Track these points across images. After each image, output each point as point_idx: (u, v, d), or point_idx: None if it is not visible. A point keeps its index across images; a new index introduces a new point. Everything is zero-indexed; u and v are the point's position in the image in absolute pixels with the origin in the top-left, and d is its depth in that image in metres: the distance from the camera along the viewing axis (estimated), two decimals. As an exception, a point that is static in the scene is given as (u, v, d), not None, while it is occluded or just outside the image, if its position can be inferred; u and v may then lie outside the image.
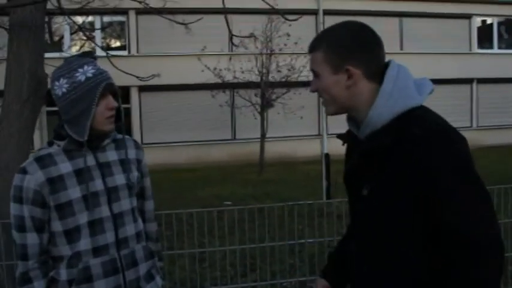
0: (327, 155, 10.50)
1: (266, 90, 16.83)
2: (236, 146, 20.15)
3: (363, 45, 1.66)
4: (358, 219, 1.76)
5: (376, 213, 1.63)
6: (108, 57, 6.15)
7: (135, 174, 2.20)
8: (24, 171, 1.99)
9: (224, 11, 5.85)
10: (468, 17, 23.27)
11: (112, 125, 2.10)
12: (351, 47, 1.65)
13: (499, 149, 20.66)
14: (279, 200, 10.05)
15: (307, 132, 21.02)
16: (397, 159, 1.55)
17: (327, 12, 20.68)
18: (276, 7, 6.14)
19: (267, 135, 17.42)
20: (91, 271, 2.00)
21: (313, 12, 20.70)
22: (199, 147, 19.63)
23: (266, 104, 16.99)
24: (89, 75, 1.99)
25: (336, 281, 2.00)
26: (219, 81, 17.50)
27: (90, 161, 2.06)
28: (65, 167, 2.00)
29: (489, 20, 24.17)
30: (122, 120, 2.16)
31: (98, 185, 2.05)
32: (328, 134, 20.61)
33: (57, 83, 2.02)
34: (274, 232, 4.81)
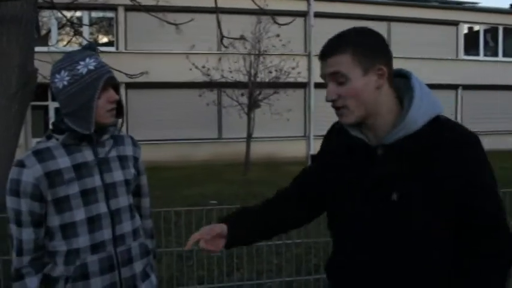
0: (312, 156, 10.54)
1: (253, 91, 16.85)
2: (222, 145, 20.15)
3: (386, 46, 1.71)
4: (380, 225, 1.70)
5: (408, 217, 1.65)
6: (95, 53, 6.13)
7: (132, 171, 2.18)
8: (22, 165, 1.94)
9: (215, 11, 5.85)
10: (455, 23, 23.50)
11: (113, 118, 2.08)
12: (379, 47, 1.69)
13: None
14: (263, 200, 10.04)
15: (293, 133, 21.08)
16: (433, 162, 1.62)
17: (317, 15, 20.74)
18: (266, 8, 6.14)
19: (253, 135, 17.44)
20: (88, 268, 1.98)
21: (303, 14, 20.74)
22: (185, 146, 19.60)
23: (253, 104, 17.02)
24: (91, 67, 1.97)
25: (238, 232, 1.93)
26: (207, 80, 17.50)
27: (89, 156, 2.03)
28: (63, 161, 1.97)
29: (476, 28, 24.44)
30: (123, 116, 2.14)
31: (96, 181, 2.02)
32: (314, 136, 20.69)
33: (58, 76, 1.99)
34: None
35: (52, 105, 18.93)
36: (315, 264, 5.41)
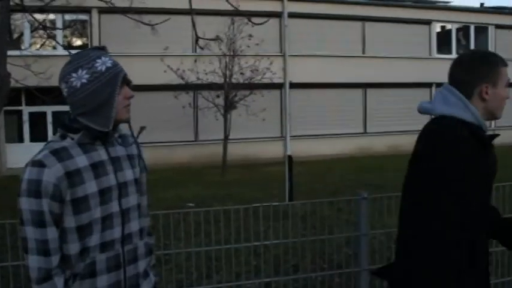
0: (289, 157, 10.58)
1: (229, 92, 16.85)
2: (199, 148, 20.11)
3: None
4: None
5: None
6: (70, 55, 6.08)
7: (138, 169, 2.22)
8: (41, 165, 1.88)
9: (190, 13, 5.85)
10: (428, 22, 23.83)
11: (129, 114, 2.12)
12: None
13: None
14: (241, 201, 10.07)
15: (269, 134, 21.11)
16: None
17: (292, 15, 20.83)
18: (239, 9, 6.16)
19: (230, 137, 17.44)
20: (96, 266, 1.98)
21: (277, 15, 20.79)
22: (161, 148, 19.49)
23: (229, 106, 17.01)
24: (109, 65, 2.00)
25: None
26: (182, 82, 17.45)
27: (103, 155, 2.05)
28: (81, 160, 1.97)
29: (448, 26, 24.80)
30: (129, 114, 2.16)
31: (111, 179, 2.04)
32: (290, 136, 20.75)
33: (74, 75, 1.98)
34: (238, 234, 4.84)
35: (26, 110, 18.70)
36: (293, 265, 5.43)
